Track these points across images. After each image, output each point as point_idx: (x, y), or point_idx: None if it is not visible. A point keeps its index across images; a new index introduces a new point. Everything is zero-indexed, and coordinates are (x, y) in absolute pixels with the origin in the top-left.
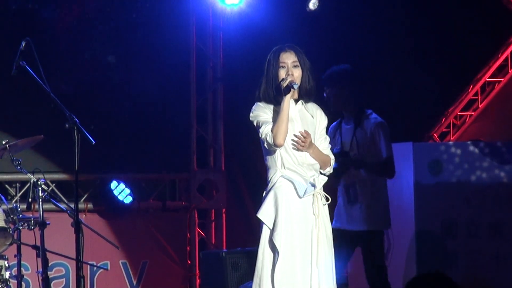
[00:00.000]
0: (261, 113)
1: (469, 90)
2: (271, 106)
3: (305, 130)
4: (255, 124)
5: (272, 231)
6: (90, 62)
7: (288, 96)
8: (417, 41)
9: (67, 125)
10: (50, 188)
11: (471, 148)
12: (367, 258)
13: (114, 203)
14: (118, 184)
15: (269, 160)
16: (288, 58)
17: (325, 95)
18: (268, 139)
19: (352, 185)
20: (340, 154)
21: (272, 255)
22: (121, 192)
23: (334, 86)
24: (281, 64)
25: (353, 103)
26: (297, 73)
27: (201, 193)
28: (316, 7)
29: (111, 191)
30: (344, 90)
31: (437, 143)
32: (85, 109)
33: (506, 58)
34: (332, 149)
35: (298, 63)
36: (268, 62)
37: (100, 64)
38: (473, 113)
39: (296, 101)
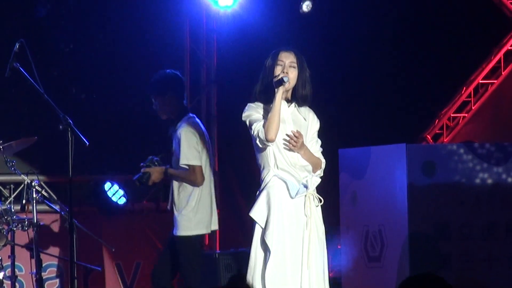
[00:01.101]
0: (253, 112)
1: (462, 92)
2: (263, 106)
3: (297, 130)
4: (247, 123)
5: (264, 230)
6: (83, 63)
7: (280, 90)
8: (411, 43)
9: (61, 127)
10: (44, 189)
11: (465, 149)
12: None
13: (108, 204)
14: (112, 185)
15: (262, 159)
16: (287, 58)
17: (154, 107)
18: (260, 134)
19: (171, 191)
20: (150, 161)
21: (264, 254)
22: (115, 193)
23: (158, 93)
24: (278, 62)
25: (178, 108)
26: (292, 74)
27: None
28: (309, 9)
29: (105, 192)
30: (166, 96)
31: (431, 145)
32: (78, 110)
33: (499, 60)
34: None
35: (295, 64)
36: (267, 59)
37: (93, 65)
38: (466, 114)
39: (289, 103)
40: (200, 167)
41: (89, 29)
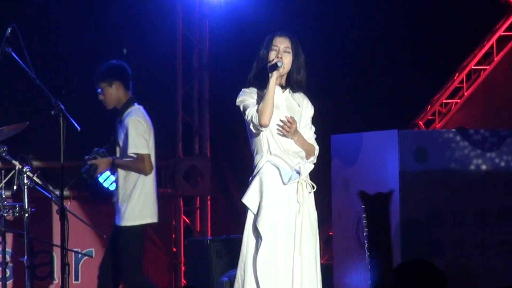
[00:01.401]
0: (247, 97)
1: (455, 77)
2: (257, 91)
3: (290, 116)
4: (241, 108)
5: (256, 216)
6: (74, 49)
7: (274, 75)
8: (403, 28)
9: (52, 112)
10: (35, 175)
11: (457, 136)
12: None
13: (99, 190)
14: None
15: (256, 145)
16: (281, 43)
17: (99, 97)
18: (253, 119)
19: (116, 181)
20: (96, 153)
21: (256, 240)
22: (106, 179)
23: (104, 82)
24: (273, 47)
25: (124, 98)
26: (287, 59)
27: (187, 180)
28: None
29: (96, 178)
30: (113, 85)
31: (423, 131)
32: (70, 96)
33: (492, 46)
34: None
35: (290, 50)
36: (262, 44)
37: (85, 51)
38: (458, 100)
39: (284, 89)
40: (149, 155)
41: (80, 14)
